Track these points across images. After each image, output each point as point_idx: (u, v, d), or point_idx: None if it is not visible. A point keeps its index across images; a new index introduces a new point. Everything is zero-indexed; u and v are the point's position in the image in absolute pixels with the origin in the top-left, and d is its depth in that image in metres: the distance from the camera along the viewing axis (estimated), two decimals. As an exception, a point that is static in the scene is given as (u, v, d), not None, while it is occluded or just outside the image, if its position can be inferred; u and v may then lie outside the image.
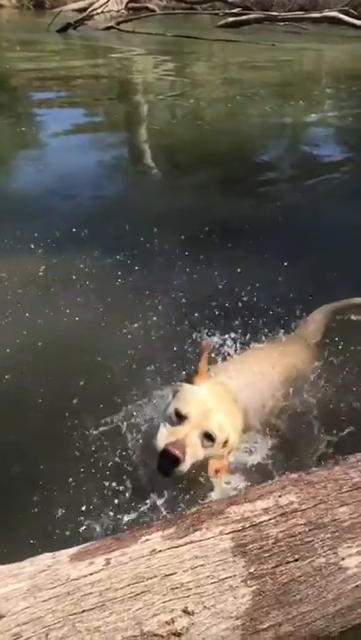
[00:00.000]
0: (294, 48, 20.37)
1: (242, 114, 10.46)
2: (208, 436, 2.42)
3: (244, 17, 24.05)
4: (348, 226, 5.16)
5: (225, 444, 2.51)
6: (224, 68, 16.59)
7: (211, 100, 11.49)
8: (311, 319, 3.61)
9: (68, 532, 2.20)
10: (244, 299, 3.94)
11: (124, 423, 2.76)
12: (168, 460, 2.29)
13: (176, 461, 2.29)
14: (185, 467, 2.33)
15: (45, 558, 1.68)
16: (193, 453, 2.36)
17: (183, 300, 3.94)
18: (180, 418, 2.43)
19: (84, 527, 2.23)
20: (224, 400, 2.62)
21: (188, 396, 2.53)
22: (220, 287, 4.11)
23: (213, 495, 2.43)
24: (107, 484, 2.48)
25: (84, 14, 23.54)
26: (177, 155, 8.05)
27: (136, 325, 3.60)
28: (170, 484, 2.41)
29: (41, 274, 4.26)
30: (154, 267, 4.39)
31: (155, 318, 3.69)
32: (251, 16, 24.02)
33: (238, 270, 4.30)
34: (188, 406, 2.46)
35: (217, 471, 2.48)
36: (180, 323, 3.64)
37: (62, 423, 2.80)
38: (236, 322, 3.69)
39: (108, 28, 22.98)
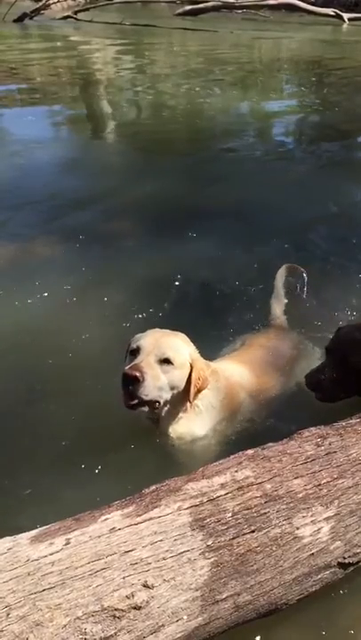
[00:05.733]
0: (253, 35, 20.37)
1: (202, 101, 10.47)
2: (166, 361, 2.47)
3: (201, 5, 23.93)
4: (304, 209, 5.24)
5: (192, 367, 2.54)
6: (183, 57, 16.50)
7: (171, 88, 11.46)
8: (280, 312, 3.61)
9: (30, 516, 2.22)
10: (209, 280, 4.02)
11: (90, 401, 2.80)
12: (128, 383, 2.36)
13: (135, 381, 2.36)
14: (148, 389, 2.39)
15: (5, 542, 1.71)
16: (153, 375, 2.41)
17: (147, 281, 3.98)
18: (136, 354, 2.50)
19: (46, 509, 2.25)
20: (177, 334, 2.68)
21: (139, 336, 2.60)
22: (185, 268, 4.16)
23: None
24: (70, 465, 2.53)
25: (40, 4, 23.16)
26: (139, 142, 8.02)
27: (99, 308, 3.65)
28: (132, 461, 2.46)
29: (7, 263, 4.27)
30: (119, 250, 4.42)
31: (119, 300, 3.74)
32: (208, 4, 23.86)
33: (202, 252, 4.37)
34: (140, 341, 2.54)
35: (199, 381, 2.53)
36: (144, 304, 3.68)
37: (26, 402, 2.87)
38: (201, 303, 3.77)
39: (66, 18, 22.65)
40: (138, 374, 2.36)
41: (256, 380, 2.89)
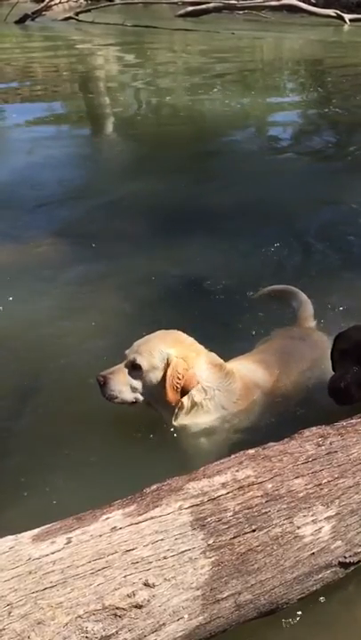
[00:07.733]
0: (254, 36, 20.36)
1: (204, 101, 10.49)
2: (136, 366, 2.61)
3: (203, 6, 23.91)
4: (305, 207, 5.25)
5: (167, 366, 2.56)
6: (185, 57, 16.47)
7: (173, 89, 11.48)
8: (307, 308, 3.51)
9: (31, 515, 2.23)
10: (213, 277, 4.02)
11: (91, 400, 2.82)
12: (99, 384, 2.62)
13: (99, 384, 2.61)
14: (109, 392, 2.61)
15: (7, 540, 1.71)
16: (117, 380, 2.61)
17: (147, 283, 3.99)
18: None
19: (47, 508, 2.26)
20: (166, 335, 2.69)
21: None
22: (188, 266, 4.18)
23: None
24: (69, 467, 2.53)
25: (42, 5, 23.16)
26: (140, 142, 8.03)
27: (101, 309, 3.65)
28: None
29: (7, 261, 4.28)
30: (120, 251, 4.43)
31: (120, 296, 3.77)
32: (210, 5, 23.85)
33: (206, 249, 4.39)
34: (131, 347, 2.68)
35: (178, 381, 2.55)
36: (143, 306, 3.69)
37: (26, 401, 2.90)
38: (203, 304, 3.76)
39: (67, 19, 22.66)
40: (100, 379, 2.61)
41: (271, 380, 2.87)
